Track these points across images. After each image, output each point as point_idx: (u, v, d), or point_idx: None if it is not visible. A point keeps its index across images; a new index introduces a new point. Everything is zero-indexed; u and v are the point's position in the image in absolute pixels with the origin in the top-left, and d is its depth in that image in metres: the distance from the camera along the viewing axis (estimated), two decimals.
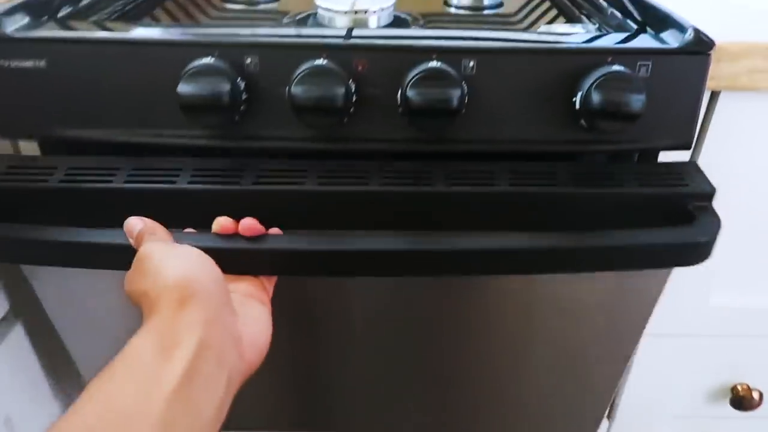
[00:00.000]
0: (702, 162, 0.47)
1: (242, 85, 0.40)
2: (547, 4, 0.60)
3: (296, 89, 0.39)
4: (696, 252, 0.41)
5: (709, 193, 0.43)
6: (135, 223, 0.36)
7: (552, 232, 0.40)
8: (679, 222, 0.42)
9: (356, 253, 0.40)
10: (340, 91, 0.39)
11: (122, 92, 0.42)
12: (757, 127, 0.48)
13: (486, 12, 0.60)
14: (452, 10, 0.60)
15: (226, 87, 0.39)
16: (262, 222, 0.38)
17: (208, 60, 0.39)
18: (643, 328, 0.53)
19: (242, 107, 0.41)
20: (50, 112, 0.42)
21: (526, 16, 0.58)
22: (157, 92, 0.41)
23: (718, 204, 0.43)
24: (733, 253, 0.52)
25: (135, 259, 0.33)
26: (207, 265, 0.33)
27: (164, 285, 0.31)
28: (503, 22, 0.58)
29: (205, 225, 0.39)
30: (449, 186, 0.42)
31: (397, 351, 0.55)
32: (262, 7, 0.58)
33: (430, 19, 0.55)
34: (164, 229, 0.36)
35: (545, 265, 0.42)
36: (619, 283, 0.49)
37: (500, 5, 0.61)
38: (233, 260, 0.37)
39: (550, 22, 0.56)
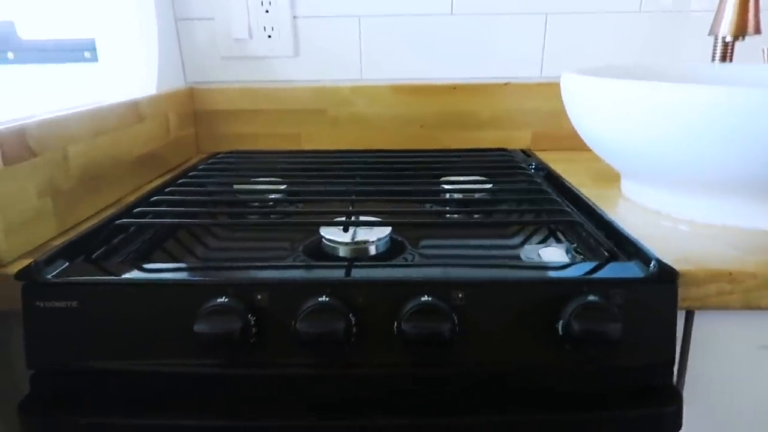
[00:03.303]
0: (690, 376, 0.49)
1: (252, 320, 0.44)
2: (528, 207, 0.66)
3: (301, 325, 0.43)
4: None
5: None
6: None
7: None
8: None
9: None
10: (341, 325, 0.43)
11: (144, 327, 0.46)
12: (729, 343, 0.51)
13: (476, 216, 0.66)
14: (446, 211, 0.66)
15: (237, 325, 0.43)
16: None
17: (221, 300, 0.44)
18: None
19: (252, 340, 0.44)
20: (78, 346, 0.46)
21: (514, 221, 0.64)
22: (176, 327, 0.45)
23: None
24: None
25: None
26: None
27: None
28: (490, 233, 0.63)
29: None
30: None
31: None
32: (272, 218, 0.64)
33: (422, 235, 0.61)
34: None
35: None
36: None
37: (489, 202, 0.67)
38: None
39: (529, 235, 0.61)
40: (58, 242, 0.53)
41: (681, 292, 0.47)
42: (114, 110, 0.71)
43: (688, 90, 0.51)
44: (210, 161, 0.82)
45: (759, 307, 0.47)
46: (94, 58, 0.97)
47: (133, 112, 0.75)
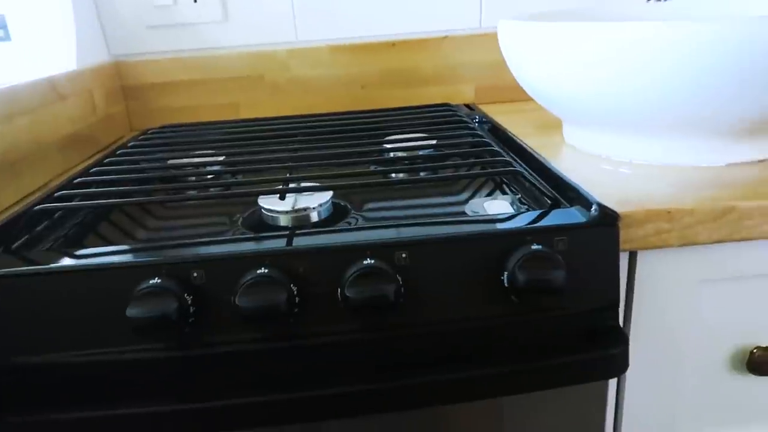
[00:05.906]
0: (635, 316, 0.50)
1: (189, 299, 0.42)
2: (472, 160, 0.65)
3: (240, 300, 0.41)
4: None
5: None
6: None
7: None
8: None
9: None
10: (282, 297, 0.41)
11: (74, 317, 0.43)
12: (671, 281, 0.51)
13: (422, 173, 0.65)
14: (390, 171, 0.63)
15: (173, 305, 0.41)
16: None
17: (155, 281, 0.42)
18: None
19: (191, 320, 0.43)
20: (7, 343, 0.43)
21: (454, 175, 0.63)
22: (109, 313, 0.43)
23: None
24: None
25: None
26: None
27: None
28: (437, 191, 0.62)
29: None
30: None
31: None
32: (210, 191, 0.61)
33: (366, 198, 0.59)
34: None
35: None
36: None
37: (433, 158, 0.66)
38: None
39: (476, 190, 0.61)
40: None
41: (623, 234, 0.47)
42: (29, 89, 0.66)
43: (621, 28, 0.50)
44: (141, 138, 0.78)
45: (696, 243, 0.48)
46: (7, 37, 0.90)
47: (51, 90, 0.70)
